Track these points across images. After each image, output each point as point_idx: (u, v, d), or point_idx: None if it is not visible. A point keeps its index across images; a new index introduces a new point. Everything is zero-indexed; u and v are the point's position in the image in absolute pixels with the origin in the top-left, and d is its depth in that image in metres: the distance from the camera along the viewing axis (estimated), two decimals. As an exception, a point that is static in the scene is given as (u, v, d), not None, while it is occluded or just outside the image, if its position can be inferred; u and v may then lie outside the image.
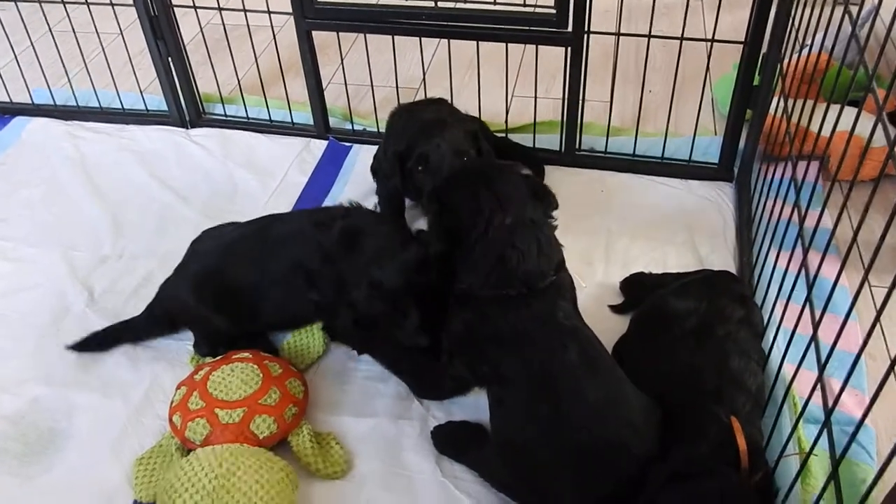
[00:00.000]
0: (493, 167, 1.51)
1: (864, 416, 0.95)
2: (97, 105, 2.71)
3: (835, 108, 1.41)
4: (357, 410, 1.71)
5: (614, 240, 2.11)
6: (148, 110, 2.70)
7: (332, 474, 1.56)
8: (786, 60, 1.96)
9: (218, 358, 1.75)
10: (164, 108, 2.66)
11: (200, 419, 1.57)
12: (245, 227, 1.85)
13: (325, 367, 1.82)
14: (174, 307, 1.84)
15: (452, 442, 1.60)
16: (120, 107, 2.70)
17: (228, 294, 1.76)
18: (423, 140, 1.90)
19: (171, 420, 1.63)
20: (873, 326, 0.97)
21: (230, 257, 1.78)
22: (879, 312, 0.95)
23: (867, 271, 1.03)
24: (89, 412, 1.73)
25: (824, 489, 1.05)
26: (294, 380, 1.68)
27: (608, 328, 1.76)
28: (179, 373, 1.78)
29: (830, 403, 1.08)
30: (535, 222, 1.42)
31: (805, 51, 1.94)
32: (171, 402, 1.66)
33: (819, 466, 1.43)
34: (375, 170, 2.19)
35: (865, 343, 1.00)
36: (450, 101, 2.27)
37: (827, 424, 1.06)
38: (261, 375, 1.64)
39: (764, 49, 2.04)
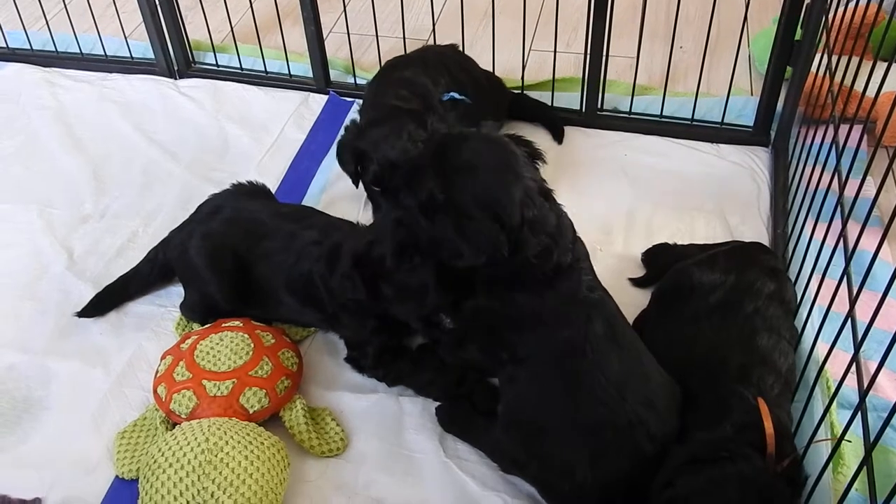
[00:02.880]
0: (486, 141, 1.40)
1: (902, 397, 0.96)
2: (77, 51, 2.71)
3: (883, 67, 1.40)
4: (355, 386, 1.72)
5: (637, 208, 2.11)
6: (133, 58, 2.70)
7: (328, 452, 1.58)
8: (832, 12, 1.93)
9: (207, 326, 1.76)
10: (151, 55, 2.66)
11: (187, 391, 1.59)
12: (280, 220, 1.80)
13: (322, 338, 1.83)
14: (178, 261, 1.84)
15: (458, 420, 1.62)
16: (102, 53, 2.70)
17: (242, 275, 1.76)
18: (373, 146, 1.88)
19: (155, 391, 1.64)
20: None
21: (254, 240, 1.76)
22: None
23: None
24: (68, 381, 1.75)
25: (855, 476, 1.05)
26: (287, 351, 1.70)
27: (628, 302, 1.76)
28: (165, 341, 1.80)
29: (866, 385, 1.08)
30: (547, 196, 1.37)
31: (853, 2, 1.91)
32: (156, 373, 1.68)
33: (853, 454, 1.44)
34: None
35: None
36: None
37: (861, 407, 1.07)
38: (252, 345, 1.66)
39: (808, -1, 2.01)
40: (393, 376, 1.71)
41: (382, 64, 2.26)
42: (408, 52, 2.34)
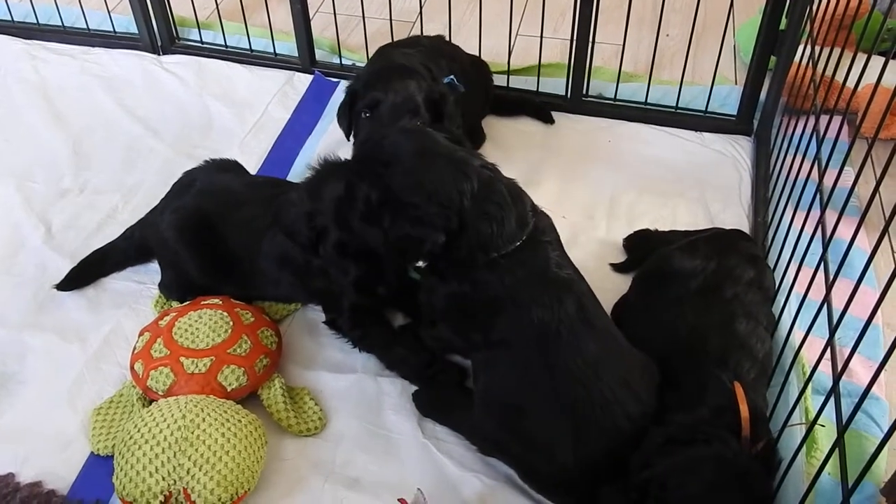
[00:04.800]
0: (404, 132, 1.46)
1: (872, 382, 0.96)
2: (60, 23, 2.68)
3: (865, 58, 1.40)
4: (335, 365, 1.72)
5: (620, 193, 2.12)
6: (116, 32, 2.68)
7: (305, 431, 1.58)
8: (816, 3, 1.94)
9: (186, 303, 1.75)
10: (134, 30, 2.64)
11: (164, 368, 1.58)
12: (256, 188, 1.80)
13: (302, 317, 1.82)
14: (152, 239, 1.83)
15: (436, 404, 1.62)
16: (85, 26, 2.67)
17: (215, 248, 1.74)
18: (380, 83, 1.87)
19: (132, 368, 1.63)
20: (885, 292, 0.98)
21: (229, 209, 1.75)
22: (892, 278, 0.95)
23: (883, 232, 1.03)
24: (44, 356, 1.74)
25: (827, 458, 1.06)
26: (267, 329, 1.69)
27: (609, 287, 1.78)
28: (143, 318, 1.79)
29: (839, 371, 1.09)
30: (491, 171, 1.41)
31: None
32: (134, 349, 1.67)
33: (826, 438, 1.45)
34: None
35: (875, 309, 1.01)
36: (448, 39, 2.26)
37: (834, 390, 1.08)
38: (231, 323, 1.65)
39: (793, -12, 2.02)
40: (369, 341, 1.71)
41: (374, 48, 2.24)
42: (394, 34, 2.34)
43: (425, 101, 1.86)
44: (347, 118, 1.94)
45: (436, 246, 1.35)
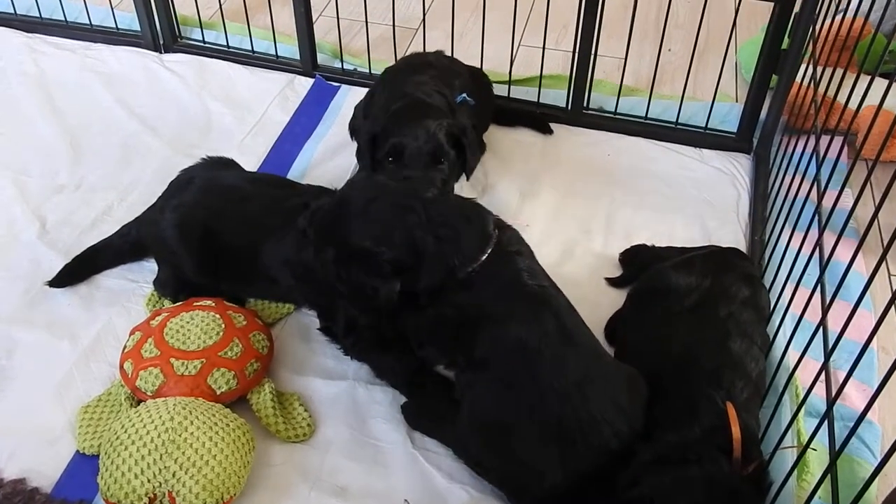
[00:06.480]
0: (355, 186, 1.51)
1: (867, 408, 0.95)
2: (62, 18, 2.67)
3: (868, 80, 1.39)
4: (326, 372, 1.70)
5: (617, 208, 2.10)
6: (118, 29, 2.67)
7: (294, 437, 1.56)
8: (819, 23, 1.93)
9: (178, 304, 1.73)
10: (137, 27, 2.62)
11: (154, 368, 1.56)
12: (260, 185, 1.78)
13: (295, 322, 1.81)
14: (150, 237, 1.81)
15: (424, 416, 1.61)
16: (87, 22, 2.66)
17: (215, 245, 1.72)
18: (399, 127, 1.82)
19: (121, 367, 1.62)
20: (883, 316, 0.97)
21: (231, 206, 1.73)
22: (891, 302, 0.94)
23: (882, 256, 1.02)
24: (33, 351, 1.72)
25: (819, 483, 1.05)
26: (259, 333, 1.68)
27: (604, 302, 1.77)
28: (135, 317, 1.77)
29: (834, 394, 1.08)
30: (439, 196, 1.45)
31: (841, 14, 1.91)
32: (124, 348, 1.65)
33: (818, 462, 1.44)
34: (354, 129, 2.16)
35: (873, 334, 1.00)
36: (450, 47, 2.25)
37: (828, 415, 1.07)
38: (223, 326, 1.63)
39: (797, 9, 2.01)
40: (361, 347, 1.69)
41: (376, 54, 2.22)
42: (396, 40, 2.33)
43: (447, 138, 1.82)
44: (368, 162, 1.89)
45: (392, 294, 1.40)
